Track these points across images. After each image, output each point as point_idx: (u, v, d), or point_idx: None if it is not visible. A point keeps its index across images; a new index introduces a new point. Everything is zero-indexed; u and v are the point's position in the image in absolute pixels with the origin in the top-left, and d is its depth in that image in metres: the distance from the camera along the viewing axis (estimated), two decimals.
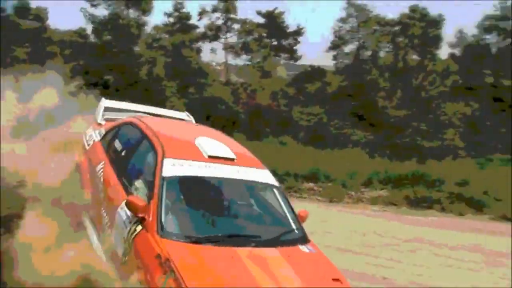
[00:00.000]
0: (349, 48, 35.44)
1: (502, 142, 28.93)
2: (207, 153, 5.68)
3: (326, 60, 35.61)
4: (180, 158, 5.53)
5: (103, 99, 8.08)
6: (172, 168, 5.40)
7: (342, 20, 35.36)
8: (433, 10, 34.74)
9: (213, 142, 5.97)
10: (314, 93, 33.76)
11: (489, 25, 33.10)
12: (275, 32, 36.43)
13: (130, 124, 6.78)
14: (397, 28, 34.38)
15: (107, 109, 7.87)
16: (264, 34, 36.45)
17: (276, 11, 36.33)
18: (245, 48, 36.22)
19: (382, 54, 34.98)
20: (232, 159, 5.78)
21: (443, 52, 34.30)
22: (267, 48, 36.23)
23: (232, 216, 5.62)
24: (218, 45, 36.43)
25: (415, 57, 34.24)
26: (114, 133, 6.96)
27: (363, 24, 34.70)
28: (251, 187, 5.98)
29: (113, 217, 5.51)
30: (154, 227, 4.93)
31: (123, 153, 6.36)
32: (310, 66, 35.67)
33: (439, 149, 28.64)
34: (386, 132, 30.69)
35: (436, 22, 33.80)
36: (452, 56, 33.81)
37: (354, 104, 32.21)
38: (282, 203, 5.91)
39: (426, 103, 31.61)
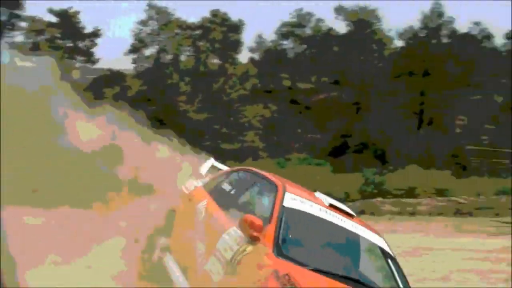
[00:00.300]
0: (149, 51, 34.41)
1: (299, 142, 30.18)
2: (328, 202, 5.71)
3: (126, 64, 34.16)
4: (301, 197, 5.56)
5: (212, 159, 8.40)
6: (293, 201, 5.38)
7: (143, 23, 34.22)
8: (234, 15, 35.18)
9: (332, 199, 5.93)
10: (113, 97, 32.09)
11: (286, 31, 34.30)
12: (69, 33, 33.98)
13: (242, 170, 6.92)
14: (198, 32, 34.17)
15: (212, 168, 8.08)
16: (58, 35, 33.85)
17: (71, 10, 33.92)
18: (35, 49, 33.18)
19: (183, 57, 34.45)
20: (352, 216, 5.76)
21: (243, 56, 34.76)
22: (61, 49, 33.60)
23: (347, 264, 5.38)
24: (2, 44, 32.96)
25: (216, 61, 34.24)
26: (222, 177, 7.05)
27: (164, 27, 33.88)
28: (366, 247, 5.80)
29: (213, 245, 5.32)
30: (271, 247, 4.77)
31: (232, 192, 6.39)
32: (109, 69, 34.00)
33: (240, 151, 28.98)
34: (187, 136, 29.90)
35: (237, 27, 34.16)
36: (251, 60, 34.37)
37: (155, 109, 31.17)
38: (397, 275, 5.62)
39: (226, 106, 31.81)
